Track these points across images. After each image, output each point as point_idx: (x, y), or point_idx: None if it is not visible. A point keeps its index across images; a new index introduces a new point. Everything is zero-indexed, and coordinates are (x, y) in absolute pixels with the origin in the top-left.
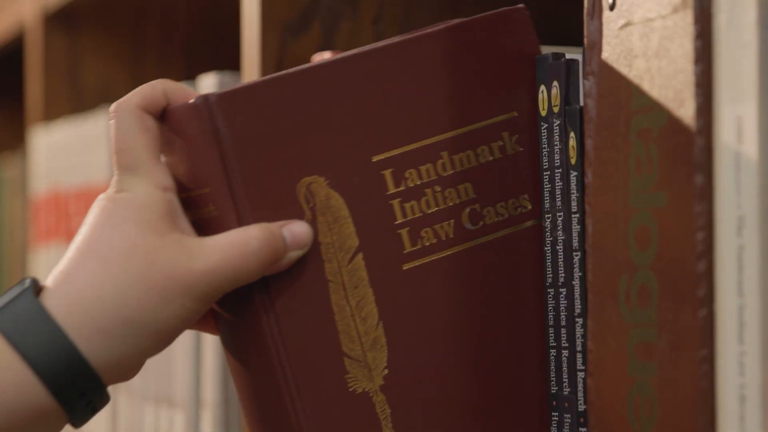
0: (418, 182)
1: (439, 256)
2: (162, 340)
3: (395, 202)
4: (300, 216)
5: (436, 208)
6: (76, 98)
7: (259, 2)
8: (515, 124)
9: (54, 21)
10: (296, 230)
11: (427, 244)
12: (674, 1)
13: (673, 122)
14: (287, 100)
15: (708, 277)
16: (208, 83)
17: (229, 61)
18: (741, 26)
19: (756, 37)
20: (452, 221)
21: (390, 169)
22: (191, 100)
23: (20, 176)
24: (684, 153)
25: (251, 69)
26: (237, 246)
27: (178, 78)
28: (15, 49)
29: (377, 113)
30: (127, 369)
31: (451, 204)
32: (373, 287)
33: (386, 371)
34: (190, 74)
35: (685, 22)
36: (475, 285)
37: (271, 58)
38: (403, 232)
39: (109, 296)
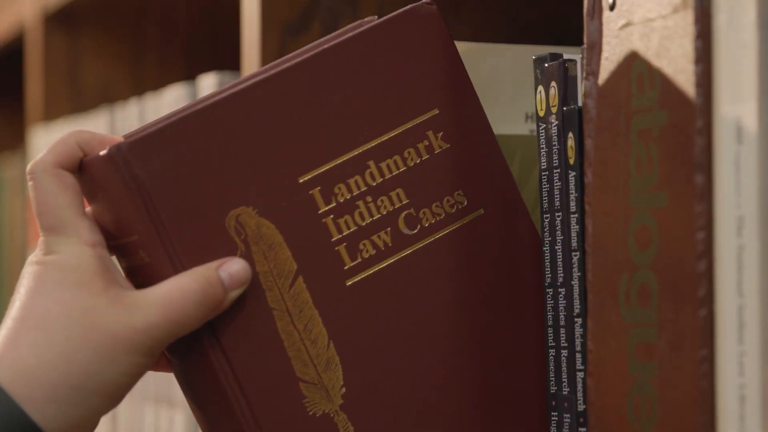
0: (349, 196)
1: (381, 266)
2: (114, 397)
3: (328, 220)
4: (233, 249)
5: (371, 219)
6: (76, 98)
7: (259, 2)
8: (438, 121)
9: (54, 21)
10: (233, 269)
11: (367, 256)
12: (674, 1)
13: (673, 122)
14: (201, 136)
15: (708, 277)
16: (208, 83)
17: (229, 61)
18: (741, 26)
19: (756, 37)
20: (389, 229)
21: (318, 188)
22: (104, 152)
23: (20, 176)
24: (684, 153)
25: (251, 69)
26: (175, 300)
27: (178, 78)
28: (15, 49)
29: (296, 133)
30: (82, 429)
31: (385, 212)
32: (319, 308)
33: (344, 390)
34: (190, 74)
35: (685, 22)
36: (425, 289)
37: (271, 58)
38: (341, 248)
39: (54, 364)
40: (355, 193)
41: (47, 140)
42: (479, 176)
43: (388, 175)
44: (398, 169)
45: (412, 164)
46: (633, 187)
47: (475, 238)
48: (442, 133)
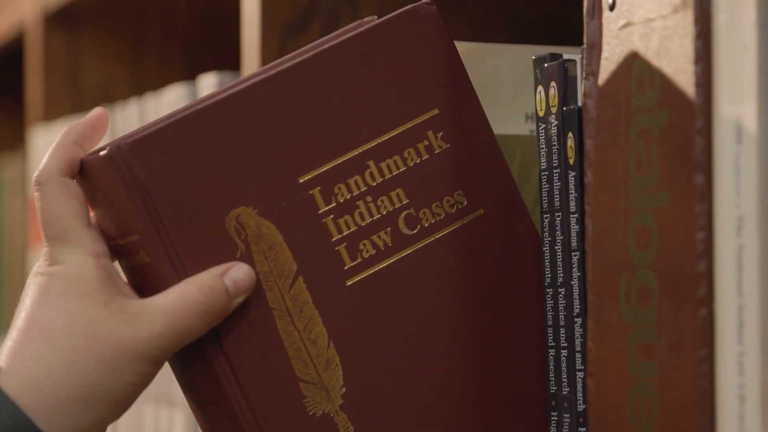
0: (349, 196)
1: (382, 267)
2: (120, 406)
3: (328, 220)
4: (233, 249)
5: (371, 219)
6: (76, 98)
7: (259, 2)
8: (438, 121)
9: (54, 21)
10: (237, 276)
11: (367, 256)
12: (674, 1)
13: (673, 122)
14: (201, 136)
15: (708, 277)
16: (208, 83)
17: (229, 61)
18: (741, 26)
19: (756, 37)
20: (389, 229)
21: (318, 188)
22: (103, 152)
23: (20, 176)
24: (684, 153)
25: (251, 69)
26: (180, 309)
27: (178, 78)
28: (15, 49)
29: (296, 134)
30: None
31: (385, 212)
32: (319, 308)
33: (344, 390)
34: (190, 74)
35: (685, 22)
36: (425, 289)
37: (271, 58)
38: (341, 248)
39: (60, 374)
40: (355, 193)
41: (47, 140)
42: (479, 176)
43: (388, 175)
44: (398, 169)
45: (412, 164)
46: (633, 187)
47: (475, 238)
48: (442, 133)
